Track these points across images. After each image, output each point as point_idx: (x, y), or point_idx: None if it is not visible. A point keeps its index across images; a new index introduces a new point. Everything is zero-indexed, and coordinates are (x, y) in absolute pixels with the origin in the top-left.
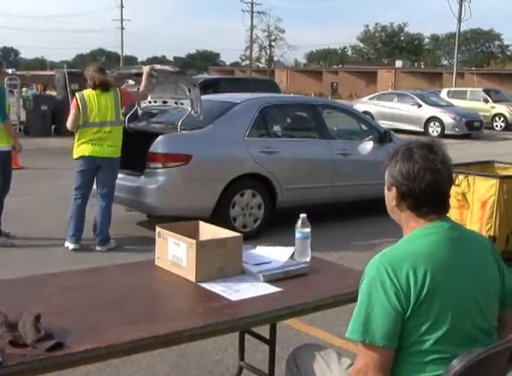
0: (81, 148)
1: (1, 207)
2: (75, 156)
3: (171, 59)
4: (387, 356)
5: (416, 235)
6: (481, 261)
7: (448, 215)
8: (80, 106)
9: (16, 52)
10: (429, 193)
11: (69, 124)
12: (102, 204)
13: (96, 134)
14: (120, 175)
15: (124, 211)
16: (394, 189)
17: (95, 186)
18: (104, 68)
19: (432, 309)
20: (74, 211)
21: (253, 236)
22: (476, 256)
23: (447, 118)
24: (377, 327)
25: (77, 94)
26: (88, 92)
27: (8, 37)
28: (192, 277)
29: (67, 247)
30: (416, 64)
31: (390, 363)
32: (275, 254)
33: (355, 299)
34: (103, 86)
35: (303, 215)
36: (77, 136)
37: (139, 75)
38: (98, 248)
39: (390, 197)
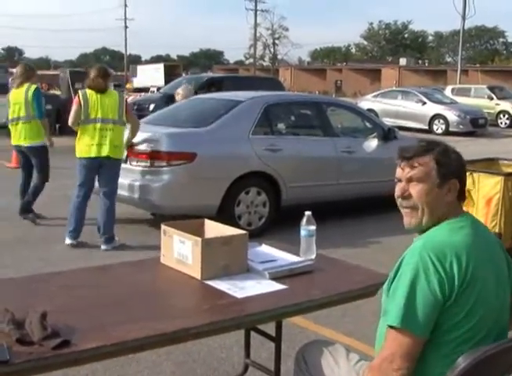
0: (84, 149)
1: (38, 194)
2: (78, 155)
3: (175, 57)
4: (419, 345)
5: (447, 228)
6: (498, 254)
7: None
8: (82, 103)
9: (21, 52)
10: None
11: (70, 120)
12: (106, 203)
13: (99, 131)
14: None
15: (129, 210)
16: (453, 181)
17: (97, 185)
18: (106, 70)
19: (471, 297)
20: (75, 206)
21: (258, 234)
22: (494, 249)
23: (451, 116)
24: (418, 315)
25: (79, 91)
26: (90, 91)
27: (12, 37)
28: (197, 275)
29: (66, 243)
30: (420, 62)
31: (418, 354)
32: (281, 253)
33: (361, 296)
34: (99, 88)
35: (308, 213)
36: (79, 133)
37: None
38: (103, 247)
39: (441, 193)
